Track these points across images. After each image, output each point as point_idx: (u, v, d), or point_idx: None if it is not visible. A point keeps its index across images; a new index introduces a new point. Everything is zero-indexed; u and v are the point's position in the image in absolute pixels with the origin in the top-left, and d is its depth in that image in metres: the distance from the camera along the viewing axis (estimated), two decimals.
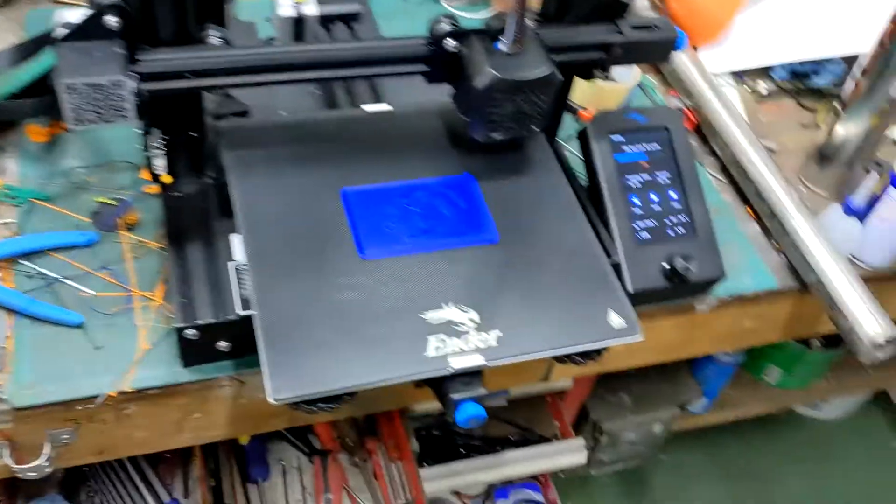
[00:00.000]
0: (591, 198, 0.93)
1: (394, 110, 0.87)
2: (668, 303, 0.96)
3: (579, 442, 1.38)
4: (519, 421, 1.45)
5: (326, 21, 1.01)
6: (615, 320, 0.73)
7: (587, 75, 0.90)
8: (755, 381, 1.90)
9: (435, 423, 1.39)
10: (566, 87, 0.95)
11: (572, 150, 1.05)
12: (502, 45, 0.76)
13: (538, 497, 1.49)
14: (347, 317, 0.69)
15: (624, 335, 0.73)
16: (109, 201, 0.92)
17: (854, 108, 1.05)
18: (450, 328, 0.70)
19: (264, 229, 0.74)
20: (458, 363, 0.68)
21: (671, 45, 0.88)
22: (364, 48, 0.78)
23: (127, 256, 0.86)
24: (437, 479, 1.29)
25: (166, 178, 0.84)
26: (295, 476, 1.23)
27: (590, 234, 0.81)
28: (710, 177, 1.12)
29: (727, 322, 1.02)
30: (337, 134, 0.83)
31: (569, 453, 1.37)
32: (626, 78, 1.16)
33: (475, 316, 0.71)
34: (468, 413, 0.68)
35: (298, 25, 1.00)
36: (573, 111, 1.15)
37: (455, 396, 0.68)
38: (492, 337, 0.70)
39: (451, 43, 0.78)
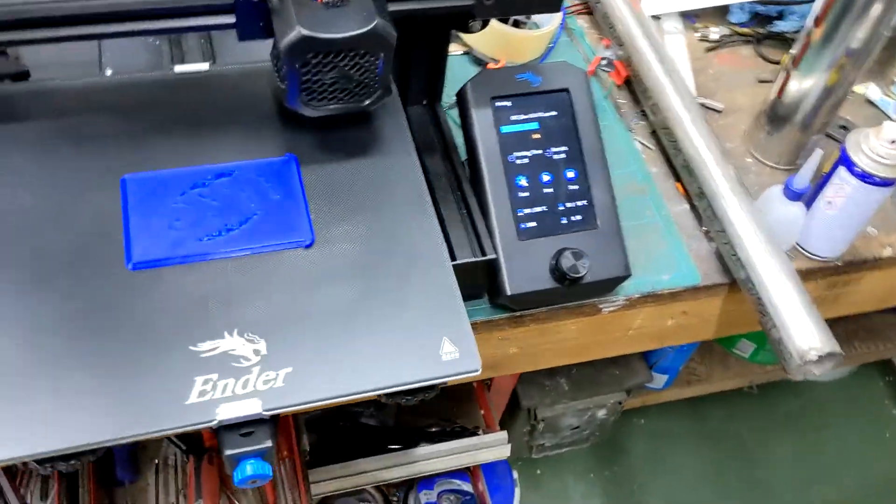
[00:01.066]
0: (471, 179, 0.79)
1: (210, 71, 0.72)
2: (561, 305, 0.82)
3: (502, 436, 1.26)
4: (441, 410, 1.33)
5: None
6: (446, 350, 0.60)
7: (462, 27, 0.74)
8: (726, 355, 1.77)
9: (340, 415, 1.27)
10: (440, 41, 0.79)
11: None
12: None
13: (466, 487, 1.38)
14: (87, 351, 0.55)
15: (455, 369, 0.59)
16: None
17: (807, 62, 0.88)
18: (226, 364, 0.56)
19: (6, 232, 0.60)
20: (227, 412, 0.54)
21: None
22: None
23: None
24: (336, 478, 1.17)
25: None
26: (171, 476, 1.12)
27: (435, 234, 0.66)
28: (637, 144, 0.96)
29: (643, 321, 0.88)
30: (133, 103, 0.68)
31: (491, 448, 1.25)
32: (546, 22, 1.00)
33: (262, 346, 0.57)
34: (246, 473, 0.55)
35: None
36: (481, 64, 0.99)
37: (230, 452, 0.55)
38: (279, 376, 0.56)
39: None
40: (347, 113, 0.65)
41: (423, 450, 1.24)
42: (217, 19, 0.64)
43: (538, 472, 1.70)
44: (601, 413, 1.45)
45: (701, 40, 1.09)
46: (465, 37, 0.99)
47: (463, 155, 0.81)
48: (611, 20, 1.02)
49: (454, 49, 1.00)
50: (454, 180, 0.79)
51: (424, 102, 0.84)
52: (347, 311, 0.60)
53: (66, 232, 0.60)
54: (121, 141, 0.66)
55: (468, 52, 1.00)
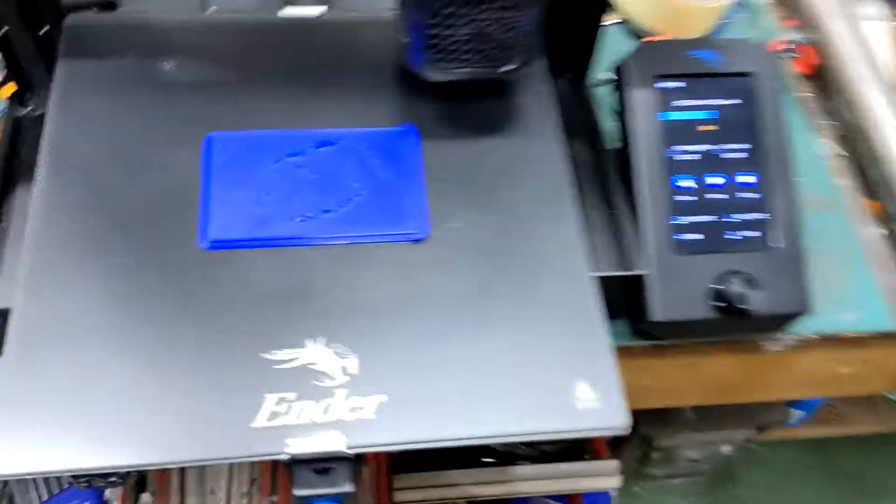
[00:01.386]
0: (621, 175, 0.65)
1: (322, 18, 0.61)
2: (717, 338, 0.67)
3: (612, 465, 1.12)
4: None
5: None
6: (582, 396, 0.47)
7: None
8: (875, 396, 1.56)
9: None
10: (597, 3, 0.65)
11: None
12: None
13: None
14: (137, 349, 0.45)
15: (593, 422, 0.46)
16: None
17: None
18: (305, 381, 0.45)
19: (70, 190, 0.51)
20: (301, 445, 0.43)
21: None
22: None
23: None
24: (423, 488, 1.07)
25: (5, 91, 0.62)
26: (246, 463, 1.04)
27: (578, 244, 0.53)
28: (823, 149, 0.80)
29: (811, 365, 0.73)
30: (229, 49, 0.58)
31: (598, 477, 1.12)
32: None
33: (353, 364, 0.46)
34: None
35: None
36: (639, 37, 0.85)
37: (301, 492, 0.44)
38: (369, 405, 0.45)
39: None
40: (481, 80, 0.53)
41: (523, 469, 1.11)
42: None
43: (636, 489, 1.56)
44: (725, 448, 1.29)
45: None
46: (622, 4, 0.85)
47: (610, 143, 0.68)
48: None
49: (608, 18, 0.86)
50: (599, 173, 0.66)
51: (570, 76, 0.71)
52: (460, 332, 0.48)
53: (135, 191, 0.51)
54: (211, 91, 0.56)
55: (622, 22, 0.86)
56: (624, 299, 0.64)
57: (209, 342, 0.46)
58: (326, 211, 0.51)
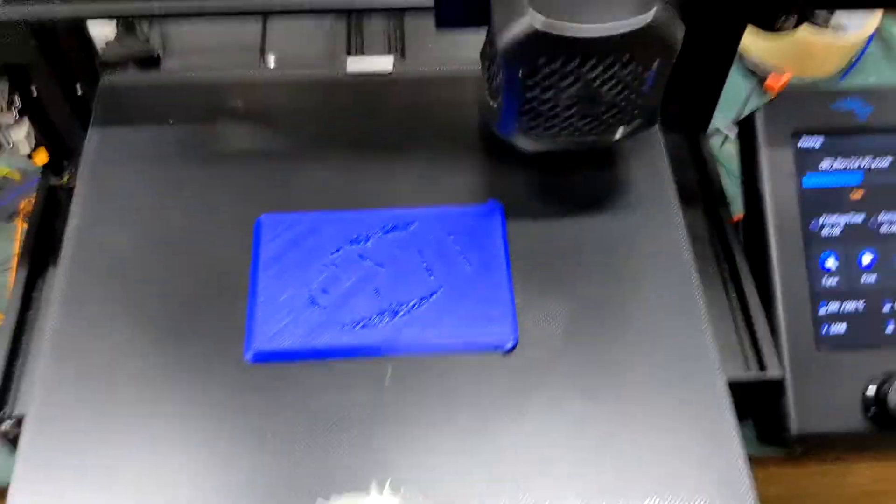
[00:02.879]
0: (748, 250, 0.54)
1: (397, 72, 0.52)
2: (870, 450, 0.56)
3: None
4: None
5: None
6: None
7: (768, 24, 0.50)
8: None
9: None
10: (729, 42, 0.55)
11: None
12: None
13: None
14: (155, 484, 0.37)
15: None
16: (11, 173, 0.65)
17: None
18: None
19: (94, 282, 0.43)
20: None
21: None
22: None
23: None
24: None
25: (40, 159, 0.55)
26: None
27: (704, 339, 0.43)
28: None
29: None
30: (287, 110, 0.50)
31: None
32: (855, 26, 0.73)
33: None
34: None
35: None
36: (757, 76, 0.74)
37: None
38: None
39: None
40: (585, 149, 0.44)
41: None
42: None
43: None
44: None
45: None
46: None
47: (735, 209, 0.57)
48: None
49: None
50: (722, 249, 0.56)
51: (683, 131, 0.61)
52: (560, 471, 0.38)
53: (171, 286, 0.43)
54: (265, 163, 0.48)
55: (738, 58, 0.75)
56: (754, 404, 0.53)
57: (245, 484, 0.37)
58: (395, 314, 0.42)
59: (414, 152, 0.48)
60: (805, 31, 0.70)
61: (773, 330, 0.51)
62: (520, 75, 0.39)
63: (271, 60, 0.62)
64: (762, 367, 0.50)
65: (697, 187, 0.59)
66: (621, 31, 0.37)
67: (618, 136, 0.43)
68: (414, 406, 0.40)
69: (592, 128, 0.43)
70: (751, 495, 0.38)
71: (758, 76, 0.74)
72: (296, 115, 0.50)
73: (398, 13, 0.58)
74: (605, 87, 0.40)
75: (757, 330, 0.51)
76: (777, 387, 0.51)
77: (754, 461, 0.56)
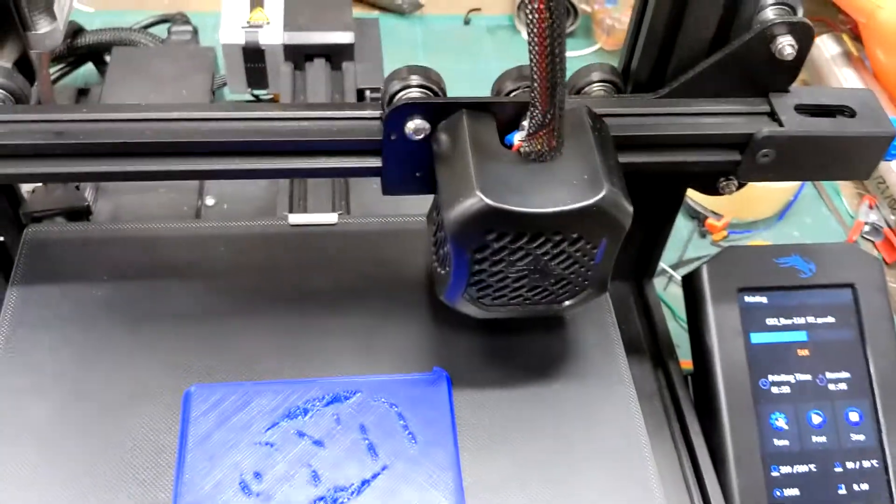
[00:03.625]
0: (698, 406, 0.53)
1: (338, 226, 0.51)
2: None
3: None
4: None
5: (298, 54, 0.67)
6: None
7: (708, 188, 0.50)
8: None
9: None
10: (671, 203, 0.55)
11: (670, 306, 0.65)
12: (518, 139, 0.39)
13: None
14: None
15: None
16: None
17: None
18: None
19: (6, 463, 0.39)
20: None
21: (882, 147, 0.47)
22: (250, 124, 0.42)
23: None
24: None
25: None
26: None
27: None
28: None
29: None
30: (220, 268, 0.48)
31: None
32: None
33: None
34: None
35: (253, 58, 0.66)
36: (698, 219, 0.75)
37: None
38: None
39: (418, 126, 0.41)
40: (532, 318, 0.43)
41: None
42: (354, 161, 0.43)
43: None
44: None
45: None
46: None
47: (682, 354, 0.56)
48: (880, 172, 0.76)
49: None
50: (672, 404, 0.54)
51: (630, 278, 0.60)
52: None
53: (90, 467, 0.39)
54: (195, 327, 0.45)
55: None
56: None
57: None
58: (335, 500, 0.39)
59: (357, 314, 0.47)
60: None
61: (725, 495, 0.50)
62: (468, 251, 0.38)
63: (209, 201, 0.61)
64: None
65: (644, 337, 0.58)
66: (570, 210, 0.37)
67: (566, 305, 0.42)
68: None
69: (542, 298, 0.42)
70: None
71: (697, 217, 0.75)
72: (233, 271, 0.48)
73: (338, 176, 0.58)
74: (555, 262, 0.40)
75: (710, 494, 0.50)
76: None
77: None
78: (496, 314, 0.43)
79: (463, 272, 0.40)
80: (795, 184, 0.73)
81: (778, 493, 0.50)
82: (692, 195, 0.74)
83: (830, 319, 0.54)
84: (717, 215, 0.74)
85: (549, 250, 0.39)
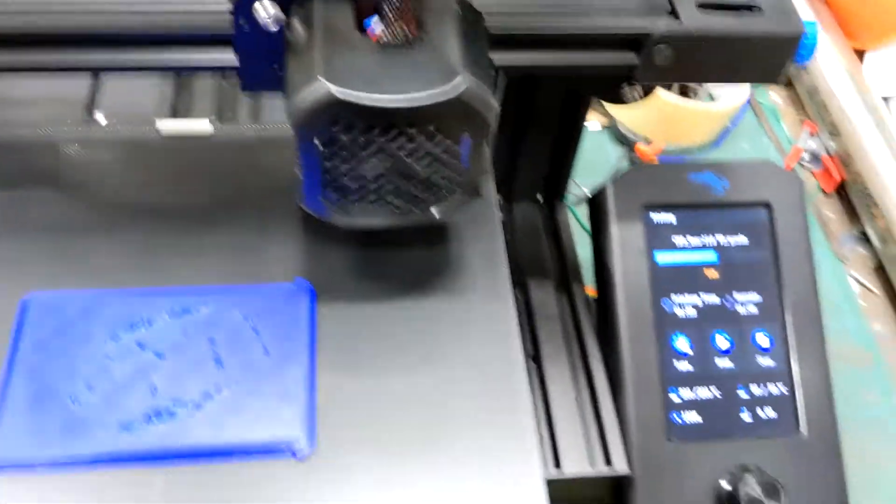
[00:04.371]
0: (600, 330, 0.51)
1: (214, 136, 0.47)
2: None
3: None
4: None
5: None
6: None
7: (610, 95, 0.47)
8: None
9: None
10: (574, 113, 0.52)
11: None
12: (375, 25, 0.36)
13: None
14: None
15: None
16: None
17: None
18: None
19: None
20: None
21: (790, 47, 0.44)
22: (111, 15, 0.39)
23: None
24: None
25: None
26: None
27: (525, 435, 0.39)
28: (853, 284, 0.66)
29: None
30: (85, 175, 0.45)
31: None
32: (728, 95, 0.71)
33: None
34: None
35: None
36: (628, 144, 0.72)
37: None
38: None
39: (268, 11, 0.37)
40: (401, 227, 0.40)
41: None
42: (212, 55, 0.40)
43: None
44: None
45: None
46: (608, 104, 0.72)
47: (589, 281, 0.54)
48: (821, 97, 0.73)
49: (588, 120, 0.74)
50: (573, 328, 0.52)
51: (539, 198, 0.58)
52: None
53: None
54: (42, 235, 0.42)
55: (609, 127, 0.73)
56: (608, 498, 0.50)
57: None
58: (168, 413, 0.36)
59: (223, 226, 0.44)
60: (674, 100, 0.68)
61: (621, 419, 0.47)
62: (316, 144, 0.35)
63: (101, 118, 0.57)
64: (608, 461, 0.46)
65: (551, 260, 0.55)
66: (421, 102, 0.34)
67: (440, 212, 0.39)
68: None
69: (409, 203, 0.39)
70: None
71: (630, 144, 0.72)
72: (95, 180, 0.45)
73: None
74: (415, 161, 0.36)
75: (603, 419, 0.48)
76: (623, 484, 0.47)
77: None
78: (365, 223, 0.39)
79: (314, 171, 0.37)
80: (732, 108, 0.70)
81: (677, 418, 0.48)
82: (621, 118, 0.71)
83: (742, 239, 0.51)
84: (648, 141, 0.71)
85: (404, 145, 0.36)
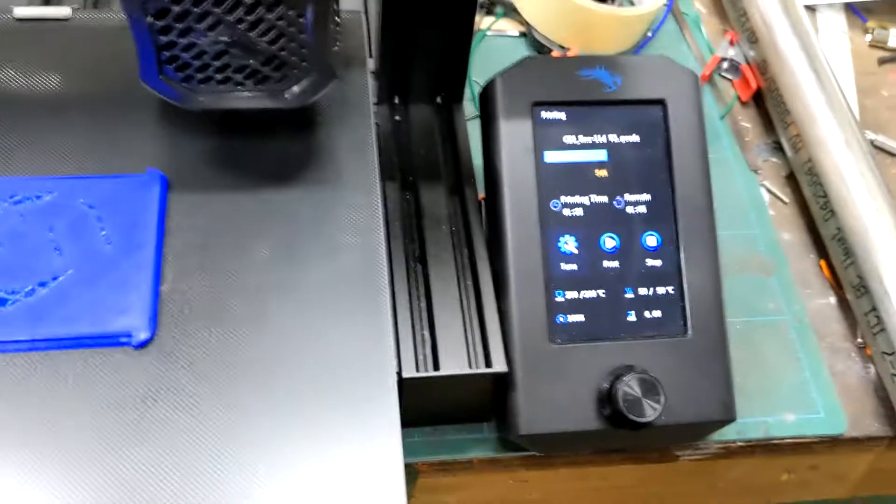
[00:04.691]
0: (488, 235, 0.50)
1: (72, 21, 0.45)
2: (610, 451, 0.52)
3: None
4: None
5: None
6: None
7: None
8: None
9: None
10: (465, 12, 0.50)
11: None
12: None
13: None
14: None
15: None
16: None
17: None
18: None
19: None
20: None
21: None
22: None
23: None
24: None
25: None
26: None
27: (382, 333, 0.38)
28: (764, 193, 0.65)
29: (743, 473, 0.58)
30: None
31: None
32: (645, 1, 0.69)
33: None
34: None
35: None
36: (541, 52, 0.70)
37: None
38: None
39: None
40: (255, 111, 0.38)
41: None
42: None
43: None
44: None
45: (873, 46, 0.77)
46: (524, 10, 0.70)
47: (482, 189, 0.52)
48: (743, 5, 0.71)
49: (506, 28, 0.71)
50: (462, 231, 0.51)
51: (437, 100, 0.56)
52: (192, 490, 0.32)
53: None
54: None
55: (525, 34, 0.71)
56: (489, 401, 0.49)
57: None
58: (3, 301, 0.35)
59: (74, 115, 0.42)
60: (590, 4, 0.66)
61: (502, 319, 0.47)
62: (143, 15, 0.33)
63: None
64: (488, 362, 0.46)
65: (447, 163, 0.54)
66: None
67: (286, 95, 0.37)
68: (13, 414, 0.33)
69: (257, 82, 0.37)
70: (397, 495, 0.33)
71: (547, 52, 0.70)
72: None
73: None
74: (256, 34, 0.35)
75: (485, 319, 0.47)
76: (505, 384, 0.46)
77: (497, 464, 0.52)
78: (215, 104, 0.38)
79: (146, 44, 0.34)
80: (649, 12, 0.68)
81: (561, 319, 0.47)
82: (537, 23, 0.69)
83: (634, 138, 0.50)
84: (564, 48, 0.69)
85: (243, 17, 0.34)
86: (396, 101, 0.55)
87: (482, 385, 0.47)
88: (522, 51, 0.70)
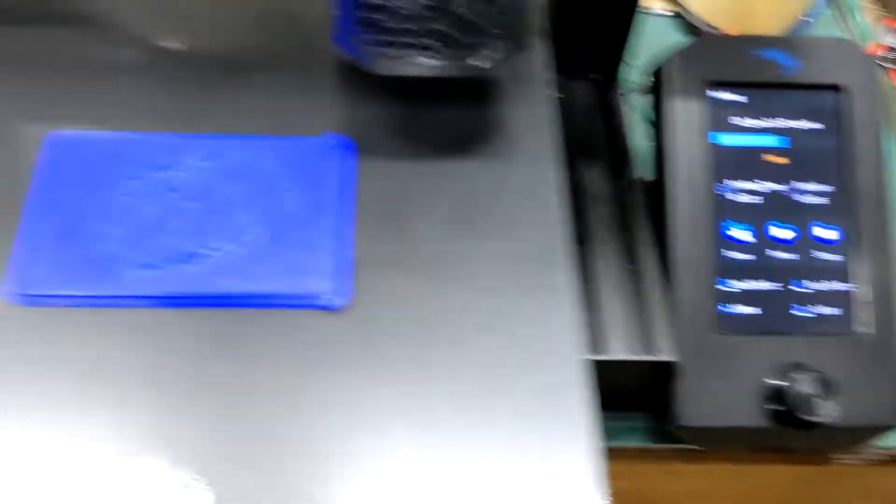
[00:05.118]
0: (653, 217, 0.48)
1: None
2: (772, 450, 0.50)
3: None
4: None
5: None
6: None
7: None
8: None
9: None
10: None
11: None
12: None
13: None
14: None
15: None
16: None
17: None
18: None
19: None
20: None
21: None
22: None
23: None
24: None
25: None
26: None
27: (565, 310, 0.37)
28: None
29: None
30: (112, 13, 0.43)
31: None
32: None
33: None
34: None
35: None
36: (695, 34, 0.68)
37: None
38: None
39: None
40: (440, 78, 0.37)
41: None
42: None
43: None
44: None
45: None
46: None
47: (643, 171, 0.51)
48: None
49: (658, 5, 0.69)
50: (623, 213, 0.50)
51: (593, 77, 0.54)
52: (388, 447, 0.32)
53: None
54: (67, 74, 0.41)
55: (678, 15, 0.69)
56: (650, 390, 0.48)
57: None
58: (195, 256, 0.35)
59: (259, 71, 0.42)
60: None
61: (670, 308, 0.45)
62: None
63: None
64: (652, 348, 0.45)
65: (604, 143, 0.53)
66: None
67: (473, 62, 0.37)
68: (204, 375, 0.33)
69: (446, 47, 0.36)
70: (597, 488, 0.32)
71: (696, 33, 0.68)
72: (122, 19, 0.43)
73: None
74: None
75: (650, 305, 0.45)
76: (668, 373, 0.45)
77: (651, 455, 0.51)
78: (402, 70, 0.37)
79: (349, 5, 0.34)
80: None
81: (724, 308, 0.46)
82: (691, 6, 0.67)
83: (816, 125, 0.48)
84: (717, 30, 0.67)
85: None
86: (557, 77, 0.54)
87: (642, 371, 0.46)
88: (672, 31, 0.68)
